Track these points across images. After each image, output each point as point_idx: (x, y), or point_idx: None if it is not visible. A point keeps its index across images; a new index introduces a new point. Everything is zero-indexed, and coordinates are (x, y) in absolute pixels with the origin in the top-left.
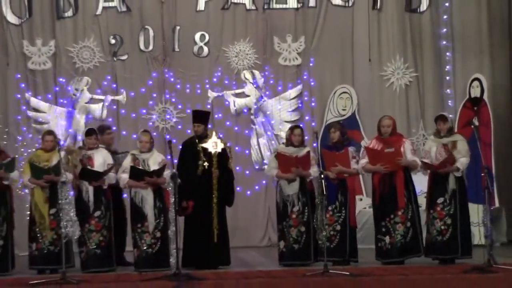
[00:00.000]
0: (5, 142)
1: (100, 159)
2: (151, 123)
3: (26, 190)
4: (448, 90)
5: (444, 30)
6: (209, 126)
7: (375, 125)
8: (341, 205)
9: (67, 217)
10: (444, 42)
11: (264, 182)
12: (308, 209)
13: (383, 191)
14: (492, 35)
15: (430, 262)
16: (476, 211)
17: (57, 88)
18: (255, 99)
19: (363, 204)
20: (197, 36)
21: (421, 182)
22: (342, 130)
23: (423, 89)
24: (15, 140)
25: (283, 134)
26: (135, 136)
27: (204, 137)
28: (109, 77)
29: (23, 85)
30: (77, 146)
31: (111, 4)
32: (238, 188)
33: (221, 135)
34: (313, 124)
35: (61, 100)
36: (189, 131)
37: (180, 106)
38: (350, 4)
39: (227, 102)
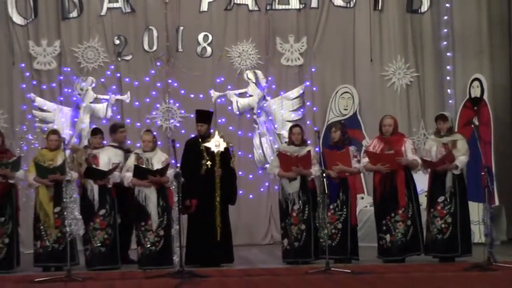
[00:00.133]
0: (10, 141)
1: (105, 158)
2: (155, 123)
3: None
4: (448, 90)
5: (445, 30)
6: (211, 130)
7: (377, 125)
8: (342, 203)
9: (72, 216)
10: (445, 43)
11: (267, 184)
12: (309, 207)
13: (384, 190)
14: (492, 36)
15: (430, 260)
16: (476, 210)
17: (62, 88)
18: (258, 99)
19: (364, 203)
20: (200, 37)
21: (422, 181)
22: (342, 130)
23: (423, 89)
24: (21, 139)
25: (285, 134)
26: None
27: (207, 136)
28: (113, 77)
29: (28, 85)
30: (82, 145)
31: (115, 5)
32: (240, 192)
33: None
34: (312, 125)
35: (66, 100)
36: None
37: (183, 105)
38: (351, 5)
39: (229, 107)
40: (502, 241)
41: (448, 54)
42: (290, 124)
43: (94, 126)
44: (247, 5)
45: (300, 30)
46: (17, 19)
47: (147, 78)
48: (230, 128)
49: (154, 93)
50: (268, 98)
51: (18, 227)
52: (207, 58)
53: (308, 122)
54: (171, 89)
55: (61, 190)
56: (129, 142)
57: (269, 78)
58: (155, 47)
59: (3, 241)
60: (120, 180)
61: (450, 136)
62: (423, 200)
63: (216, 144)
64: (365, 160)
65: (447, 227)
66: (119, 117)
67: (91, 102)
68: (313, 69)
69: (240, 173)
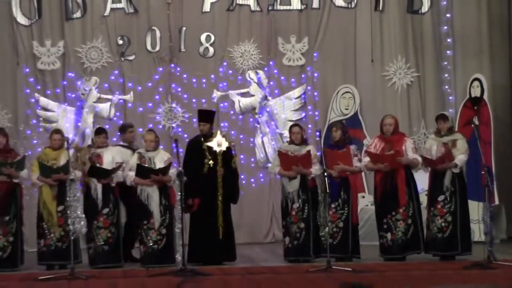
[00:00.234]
0: (15, 141)
1: (109, 157)
2: (157, 122)
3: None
4: (448, 90)
5: (445, 31)
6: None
7: (377, 124)
8: (344, 202)
9: (75, 214)
10: (445, 43)
11: (267, 178)
12: (308, 206)
13: (385, 189)
14: (492, 36)
15: (431, 259)
16: (476, 209)
17: (66, 88)
18: (260, 99)
19: (365, 202)
20: (203, 37)
21: (422, 180)
22: (343, 129)
23: (424, 89)
24: (25, 138)
25: (287, 133)
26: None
27: (210, 136)
28: (117, 77)
29: (32, 84)
30: (85, 144)
31: (118, 5)
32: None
33: (225, 124)
34: (313, 124)
35: (70, 100)
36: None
37: (186, 103)
38: (352, 6)
39: (232, 112)
40: (502, 239)
41: (449, 54)
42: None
43: (98, 126)
44: (249, 5)
45: (302, 30)
46: (21, 19)
47: (150, 78)
48: (232, 132)
49: (157, 97)
50: (270, 98)
51: (22, 226)
52: (210, 58)
53: (309, 122)
54: (173, 90)
55: (64, 189)
56: None
57: (271, 78)
58: (158, 47)
59: (7, 240)
60: (123, 179)
61: (450, 135)
62: (423, 199)
63: (218, 143)
64: (366, 159)
65: (447, 226)
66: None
67: (94, 102)
68: (314, 69)
69: (242, 176)
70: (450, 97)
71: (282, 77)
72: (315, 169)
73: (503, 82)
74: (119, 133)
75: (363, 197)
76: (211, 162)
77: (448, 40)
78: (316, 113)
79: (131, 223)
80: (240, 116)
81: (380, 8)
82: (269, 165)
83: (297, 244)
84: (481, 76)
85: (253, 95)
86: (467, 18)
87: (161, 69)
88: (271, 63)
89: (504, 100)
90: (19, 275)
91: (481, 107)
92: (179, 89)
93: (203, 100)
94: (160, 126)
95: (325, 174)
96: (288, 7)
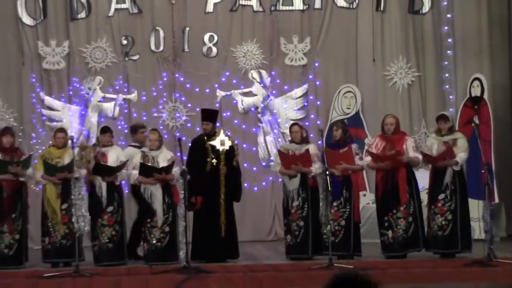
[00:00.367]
0: (20, 140)
1: (114, 156)
2: (161, 122)
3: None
4: (449, 89)
5: (446, 31)
6: (217, 124)
7: (379, 123)
8: (345, 201)
9: (79, 213)
10: (446, 43)
11: (270, 178)
12: (308, 204)
13: (386, 187)
14: (492, 37)
15: (431, 256)
16: (476, 207)
17: (71, 88)
18: (262, 98)
19: (367, 200)
20: (206, 37)
21: (423, 178)
22: (344, 128)
23: (425, 89)
24: (30, 138)
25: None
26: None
27: (213, 135)
28: (121, 77)
29: (37, 84)
30: (90, 143)
31: (123, 6)
32: (245, 184)
33: (229, 133)
34: (318, 122)
35: (74, 99)
36: (198, 128)
37: (189, 105)
38: (354, 6)
39: (234, 101)
40: (502, 237)
41: (449, 54)
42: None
43: (103, 125)
44: (252, 6)
45: (304, 30)
46: (27, 19)
47: (154, 78)
48: (235, 121)
49: (161, 92)
50: (272, 97)
51: (27, 224)
52: (213, 58)
53: (311, 121)
54: (177, 88)
55: (69, 187)
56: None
57: (274, 78)
58: (161, 47)
59: (14, 237)
60: (127, 178)
61: (451, 135)
62: (424, 197)
63: (221, 142)
64: (368, 158)
65: (448, 224)
66: (126, 110)
67: (99, 101)
68: (316, 69)
69: (245, 165)
70: (451, 97)
71: (285, 77)
72: (315, 168)
73: (503, 82)
74: (129, 133)
75: (365, 195)
76: (214, 160)
77: (449, 40)
78: (318, 112)
79: (140, 222)
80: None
81: (382, 8)
82: (272, 163)
83: (296, 242)
84: (481, 76)
85: (255, 95)
86: (468, 19)
87: (165, 74)
88: (273, 63)
89: (504, 100)
90: (24, 272)
91: (481, 107)
92: (183, 84)
93: (207, 90)
94: (162, 127)
95: (327, 172)
96: (290, 8)
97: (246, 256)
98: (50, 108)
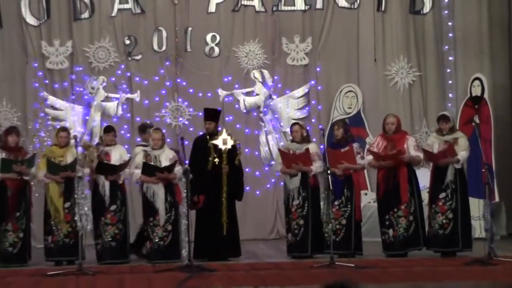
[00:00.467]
0: (23, 139)
1: (117, 155)
2: (164, 120)
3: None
4: (450, 89)
5: (446, 31)
6: (219, 128)
7: (380, 123)
8: (347, 199)
9: (82, 211)
10: (446, 44)
11: (273, 180)
12: (308, 203)
13: (387, 186)
14: (492, 37)
15: (432, 255)
16: (477, 206)
17: (74, 87)
18: (264, 98)
19: (368, 199)
20: (208, 37)
21: (424, 177)
22: (345, 128)
23: (426, 88)
24: (33, 137)
25: None
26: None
27: (215, 134)
28: (124, 77)
29: (41, 84)
30: (93, 142)
31: (126, 6)
32: (247, 188)
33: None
34: (320, 126)
35: (78, 99)
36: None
37: (191, 110)
38: (355, 6)
39: (237, 106)
40: (502, 236)
41: (450, 54)
42: None
43: (106, 124)
44: (254, 6)
45: (306, 30)
46: (30, 19)
47: (157, 77)
48: (238, 125)
49: (163, 91)
50: (274, 97)
51: (30, 222)
52: (215, 58)
53: (313, 120)
54: (179, 88)
55: (72, 185)
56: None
57: (275, 78)
58: (164, 47)
59: (17, 236)
60: (129, 177)
61: (452, 134)
62: (425, 196)
63: (223, 141)
64: (369, 157)
65: (448, 223)
66: (129, 115)
67: (102, 101)
68: (318, 69)
69: (247, 169)
70: (451, 95)
71: (286, 77)
72: (316, 167)
73: (503, 81)
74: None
75: (366, 194)
76: (216, 159)
77: (449, 40)
78: (319, 107)
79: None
80: (245, 111)
81: (383, 8)
82: (273, 162)
83: (296, 241)
84: (481, 76)
85: (257, 94)
86: (468, 19)
87: (167, 63)
88: (275, 62)
89: (504, 100)
90: (28, 270)
91: (482, 106)
92: (184, 83)
93: (209, 95)
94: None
95: (329, 171)
96: (292, 8)
97: (248, 255)
98: (54, 108)
